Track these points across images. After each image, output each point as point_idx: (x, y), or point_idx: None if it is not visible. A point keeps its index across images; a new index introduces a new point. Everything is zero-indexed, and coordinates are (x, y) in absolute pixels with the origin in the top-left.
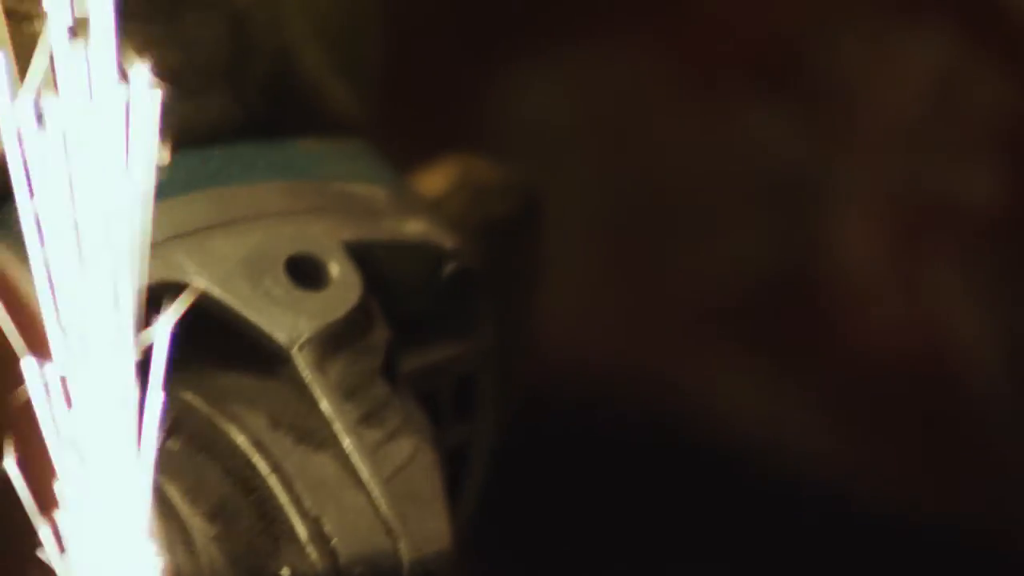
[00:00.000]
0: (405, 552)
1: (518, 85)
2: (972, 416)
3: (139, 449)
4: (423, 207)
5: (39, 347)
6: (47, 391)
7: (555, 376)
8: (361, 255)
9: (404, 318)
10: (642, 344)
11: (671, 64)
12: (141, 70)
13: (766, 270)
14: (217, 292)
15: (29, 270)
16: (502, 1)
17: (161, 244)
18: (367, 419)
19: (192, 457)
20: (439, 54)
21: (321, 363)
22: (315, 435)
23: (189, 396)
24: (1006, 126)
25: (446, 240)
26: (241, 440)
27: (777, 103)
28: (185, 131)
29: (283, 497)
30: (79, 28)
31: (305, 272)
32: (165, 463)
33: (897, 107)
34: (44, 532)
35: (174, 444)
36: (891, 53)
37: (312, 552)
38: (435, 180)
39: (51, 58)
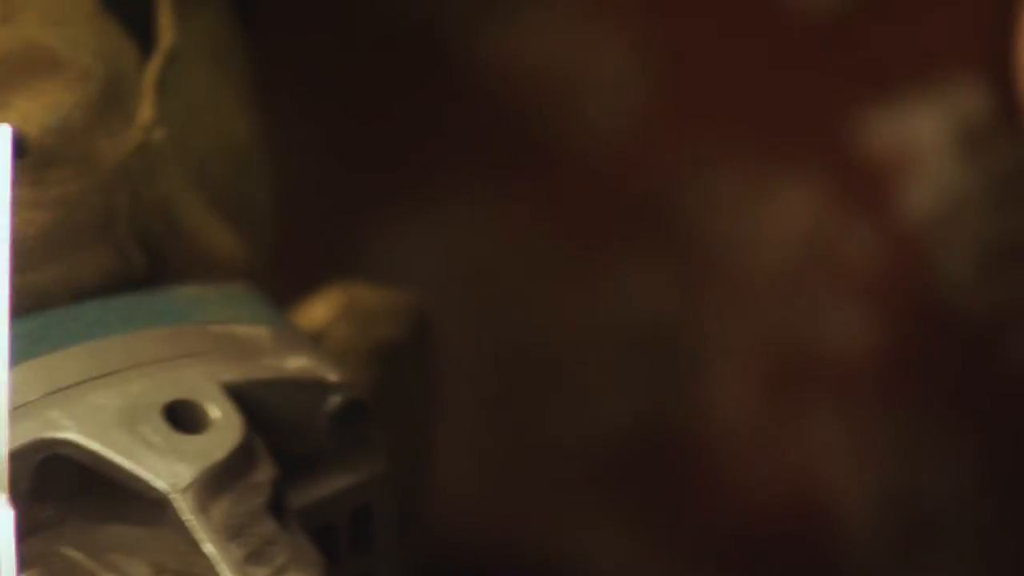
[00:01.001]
0: None
1: (396, 235)
2: (848, 570)
3: None
4: (306, 343)
5: None
6: None
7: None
8: (243, 395)
9: (294, 453)
10: (516, 496)
11: (543, 213)
12: None
13: (641, 423)
14: (94, 445)
15: None
16: (382, 150)
17: (35, 402)
18: (253, 557)
19: None
20: (322, 199)
21: (204, 505)
22: None
23: (71, 552)
24: (875, 274)
25: (330, 373)
26: None
27: (649, 254)
28: (62, 290)
29: None
30: None
31: (184, 417)
32: None
33: (768, 256)
34: None
35: None
36: (762, 203)
37: None
38: (319, 310)
39: None
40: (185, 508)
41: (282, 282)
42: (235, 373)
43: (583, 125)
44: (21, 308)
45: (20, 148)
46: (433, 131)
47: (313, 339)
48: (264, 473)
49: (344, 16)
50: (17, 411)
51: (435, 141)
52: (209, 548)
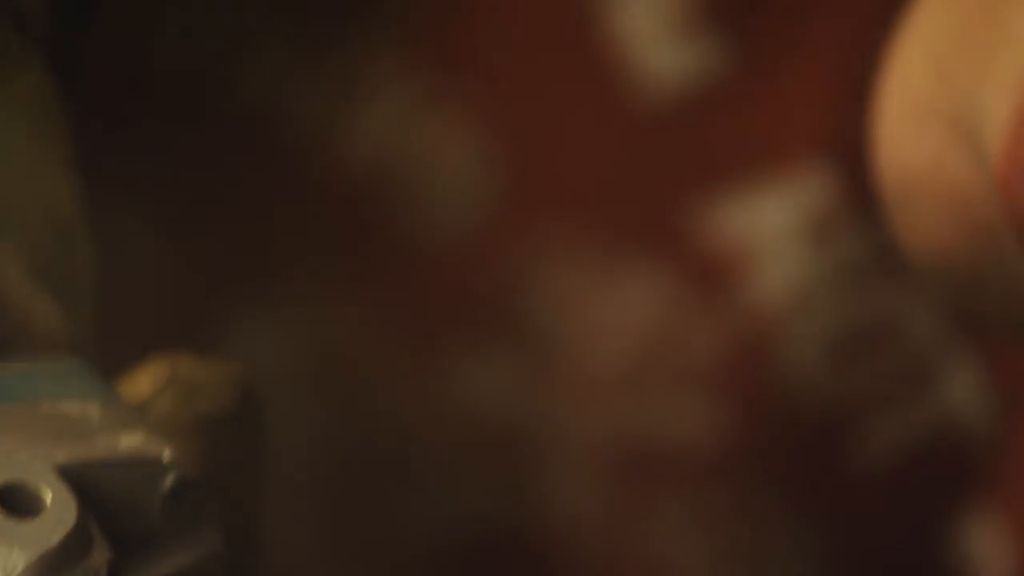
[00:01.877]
0: None
1: (242, 326)
2: None
3: None
4: (138, 420)
5: None
6: None
7: None
8: (76, 476)
9: (129, 533)
10: None
11: (389, 306)
12: None
13: (486, 519)
14: None
15: None
16: (230, 241)
17: None
18: None
19: None
20: (170, 290)
21: None
22: None
23: None
24: (722, 366)
25: (164, 451)
26: None
27: (495, 347)
28: None
29: None
30: None
31: (16, 500)
32: None
33: (614, 349)
34: None
35: None
36: (609, 294)
37: None
38: (142, 381)
39: None
40: None
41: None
42: (67, 453)
43: (429, 216)
44: None
45: None
46: (280, 221)
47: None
48: (100, 556)
49: (189, 104)
50: None
51: (282, 231)
52: None
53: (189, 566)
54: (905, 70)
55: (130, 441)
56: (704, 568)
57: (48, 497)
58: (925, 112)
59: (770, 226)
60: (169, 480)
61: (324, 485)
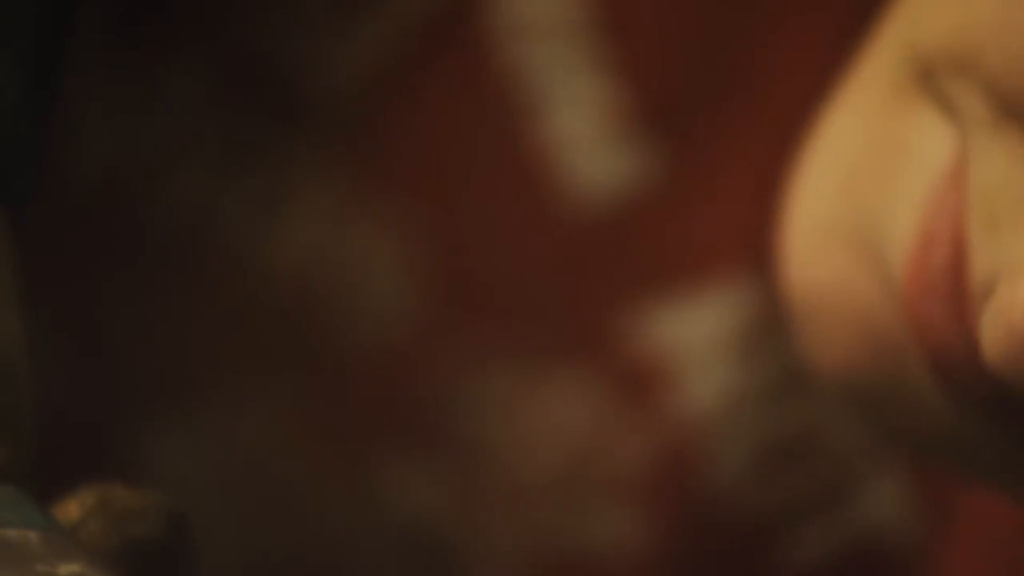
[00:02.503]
0: None
1: (161, 435)
2: None
3: None
4: (77, 548)
5: None
6: None
7: None
8: None
9: None
10: None
11: (314, 412)
12: None
13: None
14: None
15: None
16: (146, 348)
17: None
18: None
19: None
20: (86, 398)
21: None
22: None
23: None
24: (650, 474)
25: None
26: None
27: (420, 454)
28: None
29: None
30: None
31: None
32: None
33: (541, 457)
34: None
35: None
36: (536, 402)
37: None
38: (71, 509)
39: None
40: None
41: (46, 482)
42: None
43: (356, 322)
44: None
45: None
46: (208, 330)
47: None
48: None
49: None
50: None
51: (210, 339)
52: None
53: None
54: (812, 187)
55: (69, 568)
56: None
57: None
58: (831, 230)
59: (698, 336)
60: None
61: None
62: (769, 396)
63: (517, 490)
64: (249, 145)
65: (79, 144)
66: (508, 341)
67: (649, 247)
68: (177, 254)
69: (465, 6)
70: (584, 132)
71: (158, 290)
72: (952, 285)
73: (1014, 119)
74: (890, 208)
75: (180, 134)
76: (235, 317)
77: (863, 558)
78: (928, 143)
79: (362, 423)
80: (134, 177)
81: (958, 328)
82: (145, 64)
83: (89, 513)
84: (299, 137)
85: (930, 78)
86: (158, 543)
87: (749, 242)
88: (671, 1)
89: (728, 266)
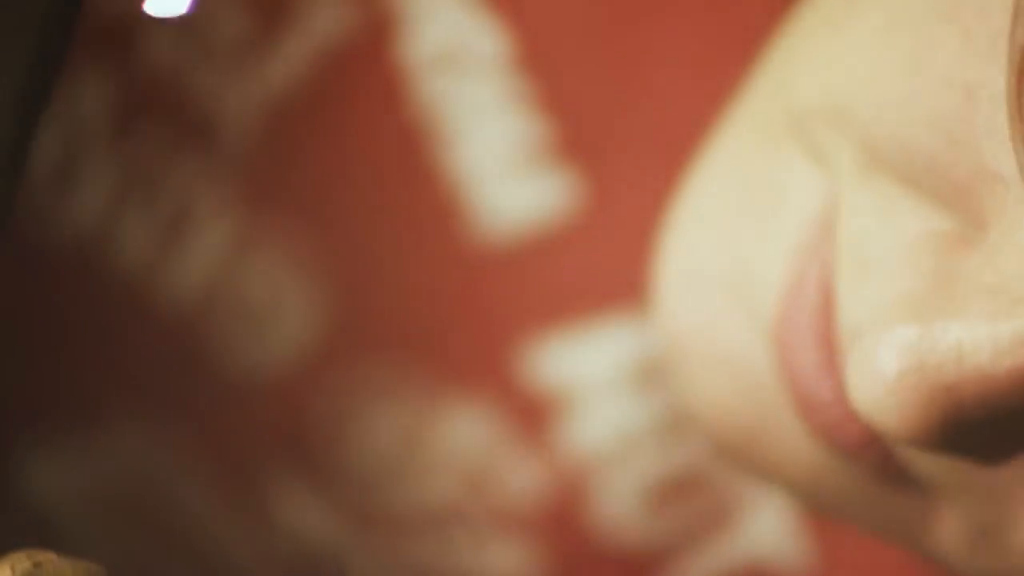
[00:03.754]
0: None
1: (52, 462)
2: None
3: None
4: None
5: None
6: None
7: None
8: None
9: None
10: None
11: (207, 441)
12: None
13: None
14: None
15: None
16: (42, 373)
17: None
18: None
19: None
20: None
21: None
22: None
23: None
24: (538, 507)
25: None
26: None
27: (314, 484)
28: None
29: None
30: None
31: None
32: None
33: (431, 487)
34: None
35: None
36: (428, 434)
37: None
38: (2, 572)
39: None
40: None
41: None
42: None
43: (251, 349)
44: None
45: None
46: (96, 353)
47: None
48: None
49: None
50: None
51: (97, 364)
52: None
53: None
54: (685, 230)
55: None
56: None
57: None
58: (703, 273)
59: (594, 370)
60: None
61: None
62: (658, 431)
63: (410, 519)
64: (151, 172)
65: None
66: (406, 371)
67: (550, 281)
68: (72, 278)
69: (378, 38)
70: (491, 165)
71: (53, 314)
72: (821, 331)
73: (884, 169)
74: (762, 253)
75: (80, 157)
76: (131, 343)
77: None
78: (800, 191)
79: (257, 450)
80: (31, 198)
81: (826, 374)
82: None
83: None
84: (202, 166)
85: (803, 127)
86: None
87: (644, 281)
88: (581, 37)
89: (625, 302)
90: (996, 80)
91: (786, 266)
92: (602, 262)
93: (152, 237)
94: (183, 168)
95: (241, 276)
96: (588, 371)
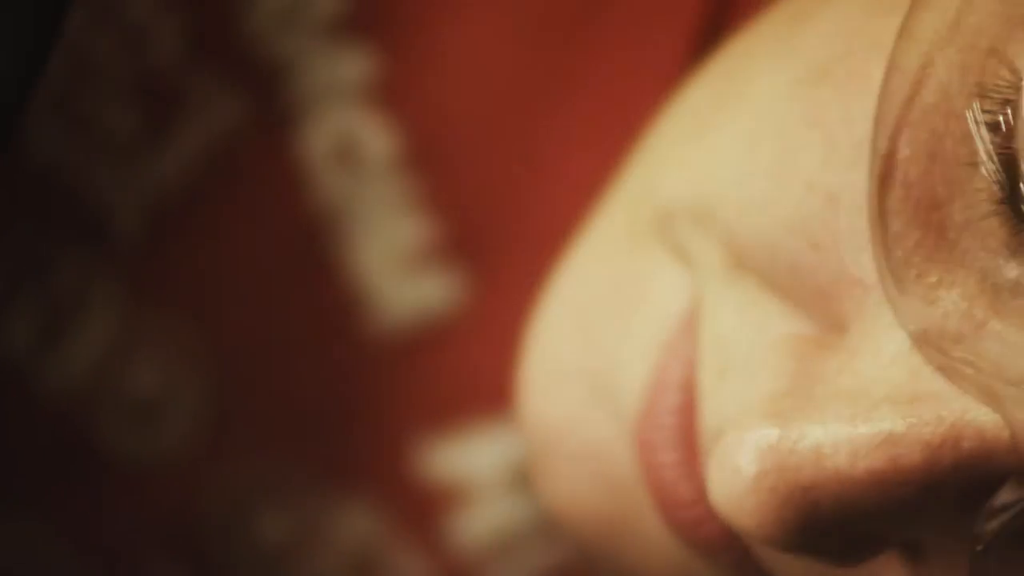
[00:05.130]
0: None
1: None
2: None
3: None
4: None
5: None
6: None
7: None
8: None
9: None
10: None
11: (83, 532)
12: None
13: None
14: None
15: None
16: None
17: None
18: None
19: None
20: None
21: None
22: None
23: None
24: None
25: None
26: None
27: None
28: None
29: None
30: None
31: None
32: None
33: None
34: None
35: None
36: (314, 530)
37: None
38: None
39: None
40: None
41: None
42: None
43: (135, 443)
44: None
45: None
46: None
47: None
48: None
49: None
50: None
51: None
52: None
53: None
54: (549, 327)
55: None
56: None
57: None
58: (566, 370)
59: (481, 467)
60: None
61: None
62: (543, 528)
63: None
64: (38, 264)
65: None
66: (296, 465)
67: (440, 378)
68: None
69: (271, 133)
70: (382, 263)
71: None
72: (682, 430)
73: (747, 270)
74: (624, 352)
75: None
76: (12, 434)
77: None
78: (663, 290)
79: (144, 543)
80: None
81: (686, 472)
82: None
83: None
84: (90, 260)
85: (667, 226)
86: None
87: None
88: (472, 136)
89: (511, 403)
90: (858, 186)
91: (648, 364)
92: (491, 360)
93: (37, 329)
94: (71, 261)
95: (129, 368)
96: (477, 468)
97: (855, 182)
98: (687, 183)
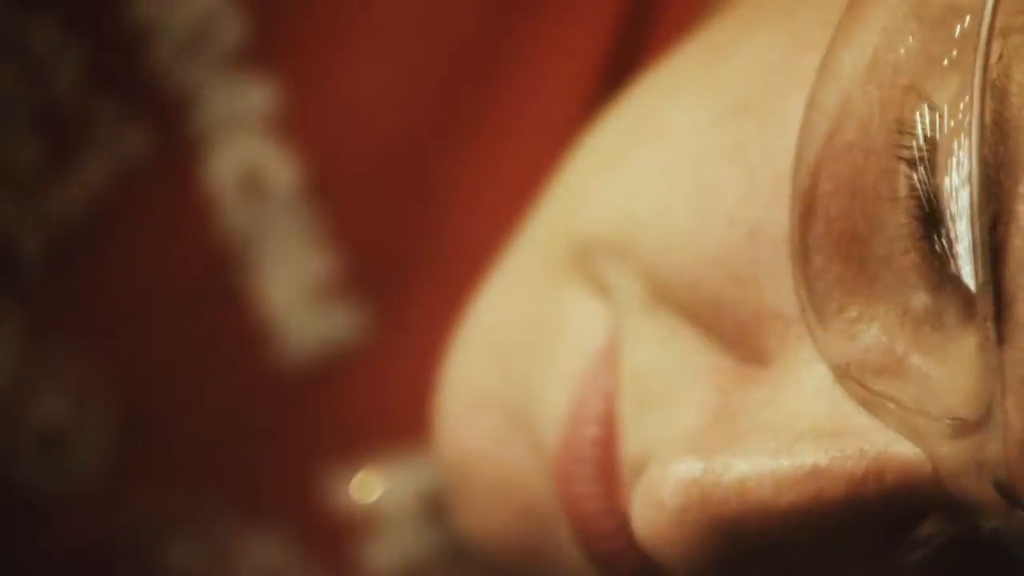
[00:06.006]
0: None
1: None
2: None
3: None
4: None
5: None
6: None
7: None
8: None
9: None
10: None
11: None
12: None
13: None
14: None
15: None
16: None
17: None
18: None
19: None
20: None
21: None
22: None
23: None
24: None
25: None
26: None
27: None
28: None
29: None
30: None
31: None
32: None
33: None
34: None
35: None
36: (223, 558)
37: None
38: None
39: None
40: None
41: None
42: None
43: (40, 475)
44: None
45: None
46: None
47: None
48: None
49: None
50: None
51: None
52: None
53: None
54: (466, 357)
55: None
56: None
57: None
58: (483, 400)
59: (391, 496)
60: None
61: None
62: (453, 556)
63: None
64: None
65: None
66: (206, 496)
67: (348, 409)
68: None
69: (176, 164)
70: (290, 295)
71: None
72: (602, 463)
73: (667, 303)
74: (543, 384)
75: None
76: None
77: None
78: (581, 322)
79: (50, 574)
80: None
81: (607, 505)
82: None
83: None
84: None
85: (586, 259)
86: None
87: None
88: (375, 168)
89: (422, 431)
90: (780, 221)
91: (567, 396)
92: (398, 391)
93: None
94: None
95: (33, 399)
96: (386, 497)
97: (776, 217)
98: (606, 216)
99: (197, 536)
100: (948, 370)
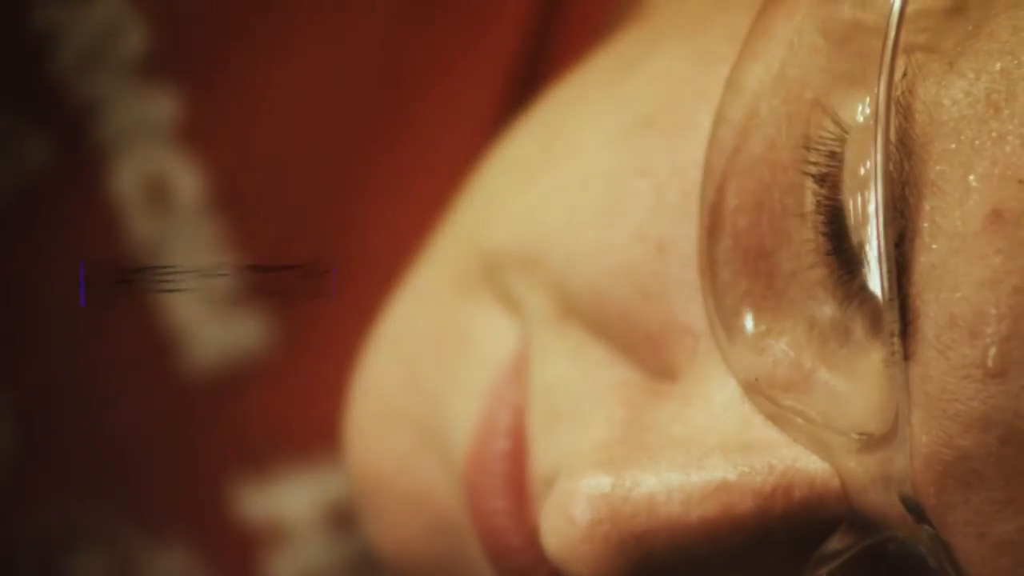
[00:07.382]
0: None
1: None
2: None
3: None
4: None
5: None
6: None
7: None
8: None
9: None
10: None
11: None
12: None
13: None
14: None
15: None
16: None
17: None
18: None
19: None
20: None
21: None
22: None
23: None
24: None
25: None
26: None
27: None
28: None
29: None
30: None
31: None
32: None
33: None
34: None
35: None
36: (128, 564)
37: None
38: None
39: None
40: None
41: None
42: None
43: None
44: None
45: None
46: None
47: None
48: None
49: None
50: None
51: None
52: None
53: None
54: (375, 371)
55: None
56: None
57: None
58: (392, 413)
59: (294, 511)
60: None
61: None
62: (357, 567)
63: None
64: None
65: None
66: (110, 506)
67: (253, 420)
68: None
69: (83, 176)
70: (195, 305)
71: None
72: (512, 477)
73: (576, 318)
74: (452, 397)
75: None
76: None
77: None
78: (490, 336)
79: None
80: None
81: (517, 519)
82: None
83: None
84: None
85: (495, 273)
86: None
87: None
88: (284, 181)
89: (326, 443)
90: (688, 235)
91: (476, 409)
92: (303, 403)
93: None
94: None
95: None
96: (292, 509)
97: (685, 231)
98: (514, 230)
99: (101, 549)
100: (855, 385)
